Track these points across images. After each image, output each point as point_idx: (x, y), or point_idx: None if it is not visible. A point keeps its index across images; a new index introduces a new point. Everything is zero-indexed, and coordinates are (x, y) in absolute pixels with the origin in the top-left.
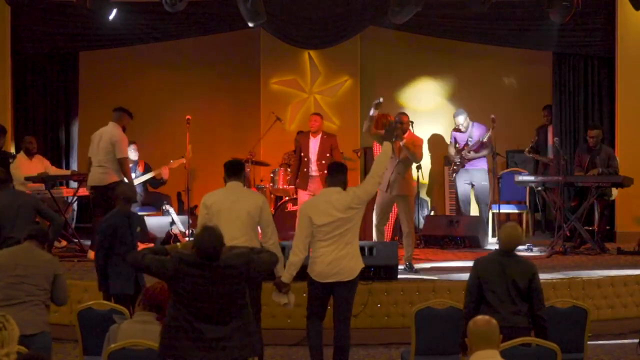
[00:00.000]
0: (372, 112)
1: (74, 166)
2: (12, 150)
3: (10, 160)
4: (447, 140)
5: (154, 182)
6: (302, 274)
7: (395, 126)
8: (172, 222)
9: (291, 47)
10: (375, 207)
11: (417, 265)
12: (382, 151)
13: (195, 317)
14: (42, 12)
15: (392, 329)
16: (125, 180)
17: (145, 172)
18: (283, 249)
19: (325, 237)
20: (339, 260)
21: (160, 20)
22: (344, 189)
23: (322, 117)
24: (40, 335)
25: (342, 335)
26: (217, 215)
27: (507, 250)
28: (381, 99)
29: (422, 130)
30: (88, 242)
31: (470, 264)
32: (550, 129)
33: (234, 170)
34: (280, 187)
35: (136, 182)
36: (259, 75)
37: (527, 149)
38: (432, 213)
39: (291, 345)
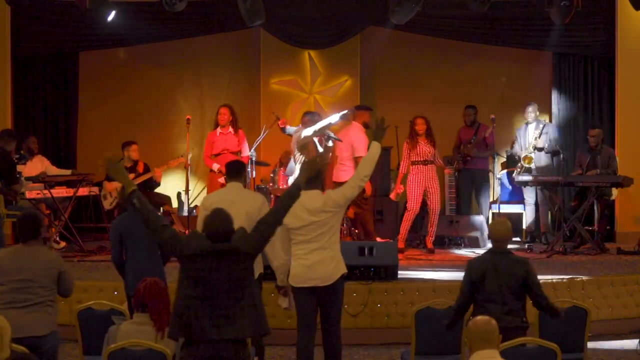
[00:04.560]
0: (337, 119)
1: (74, 166)
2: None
3: (23, 162)
4: (447, 140)
5: (148, 184)
6: None
7: (384, 125)
8: (172, 222)
9: (291, 47)
10: None
11: (417, 265)
12: (369, 152)
13: (206, 296)
14: (42, 12)
15: (392, 329)
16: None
17: (144, 172)
18: None
19: (301, 240)
20: (315, 265)
21: (160, 20)
22: (322, 190)
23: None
24: (51, 335)
25: (332, 340)
26: None
27: (499, 248)
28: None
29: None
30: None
31: None
32: (530, 128)
33: (235, 171)
34: (280, 187)
35: (135, 182)
36: (259, 75)
37: (511, 148)
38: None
39: (291, 345)
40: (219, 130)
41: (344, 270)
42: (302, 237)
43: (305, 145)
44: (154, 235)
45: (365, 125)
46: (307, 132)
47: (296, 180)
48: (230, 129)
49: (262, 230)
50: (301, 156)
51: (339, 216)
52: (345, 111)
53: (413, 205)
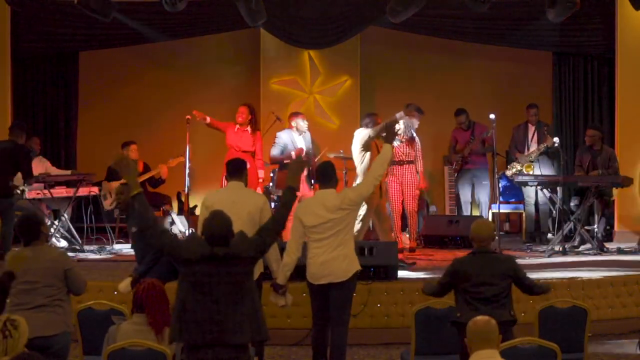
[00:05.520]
0: (398, 115)
1: (74, 166)
2: None
3: (31, 156)
4: (447, 140)
5: (153, 181)
6: (301, 273)
7: (394, 127)
8: (172, 222)
9: (291, 47)
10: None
11: (418, 265)
12: (381, 153)
13: (205, 300)
14: (42, 12)
15: (392, 329)
16: None
17: (144, 172)
18: (282, 249)
19: (316, 238)
20: (330, 262)
21: (160, 20)
22: (336, 189)
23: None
24: (61, 335)
25: (336, 342)
26: None
27: (482, 248)
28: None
29: (422, 130)
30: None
31: None
32: (531, 128)
33: (236, 169)
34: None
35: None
36: (259, 75)
37: (510, 149)
38: (432, 211)
39: (291, 345)
40: (237, 126)
41: (357, 267)
42: (319, 235)
43: (368, 146)
44: (153, 239)
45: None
46: (371, 133)
47: (289, 183)
48: (248, 129)
49: (264, 236)
50: (364, 156)
51: (355, 214)
52: (406, 107)
53: (394, 206)
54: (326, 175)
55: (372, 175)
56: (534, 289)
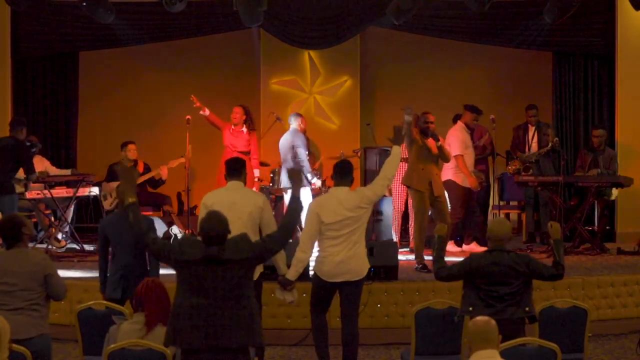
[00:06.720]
0: (406, 118)
1: (74, 166)
2: None
3: (35, 150)
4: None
5: (153, 182)
6: (302, 274)
7: (402, 129)
8: (172, 223)
9: (291, 47)
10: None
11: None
12: (391, 154)
13: (200, 303)
14: (42, 12)
15: (392, 329)
16: None
17: (144, 172)
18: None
19: (333, 236)
20: (348, 260)
21: (160, 20)
22: (351, 187)
23: None
24: (38, 338)
25: (350, 333)
26: None
27: (499, 246)
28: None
29: None
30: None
31: None
32: (531, 129)
33: (235, 169)
34: (281, 186)
35: (140, 180)
36: (259, 75)
37: (511, 150)
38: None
39: (291, 345)
40: (232, 127)
41: (368, 265)
42: (336, 232)
43: (413, 141)
44: (146, 248)
45: (467, 126)
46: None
47: (293, 193)
48: (244, 129)
49: (267, 243)
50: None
51: (369, 213)
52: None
53: (397, 204)
54: (344, 172)
55: (384, 176)
56: (555, 277)
